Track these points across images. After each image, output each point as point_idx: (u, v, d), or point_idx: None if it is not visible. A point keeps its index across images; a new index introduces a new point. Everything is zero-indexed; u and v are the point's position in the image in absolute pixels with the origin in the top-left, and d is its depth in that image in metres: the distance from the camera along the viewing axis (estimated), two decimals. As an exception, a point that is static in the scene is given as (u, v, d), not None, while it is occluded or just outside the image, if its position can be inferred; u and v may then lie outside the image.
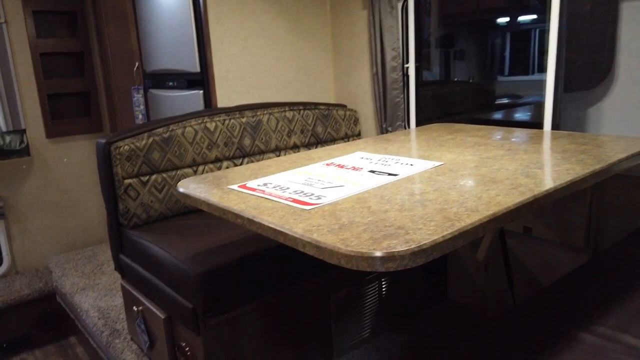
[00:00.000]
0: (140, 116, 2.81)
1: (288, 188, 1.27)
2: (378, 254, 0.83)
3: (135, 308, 1.89)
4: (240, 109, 2.25)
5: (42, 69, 3.02)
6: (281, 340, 1.75)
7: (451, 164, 1.40)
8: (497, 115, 2.65)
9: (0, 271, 2.99)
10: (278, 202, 1.17)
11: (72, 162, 3.19)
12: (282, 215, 1.07)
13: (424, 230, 0.90)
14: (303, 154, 1.70)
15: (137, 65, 2.80)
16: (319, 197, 1.17)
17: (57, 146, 3.13)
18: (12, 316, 2.74)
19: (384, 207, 1.05)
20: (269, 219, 1.05)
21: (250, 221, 1.09)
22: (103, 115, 3.30)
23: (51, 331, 2.87)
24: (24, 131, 2.98)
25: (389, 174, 1.32)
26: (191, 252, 1.65)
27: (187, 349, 1.64)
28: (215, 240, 1.74)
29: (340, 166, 1.47)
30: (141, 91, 2.81)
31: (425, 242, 0.85)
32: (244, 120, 2.24)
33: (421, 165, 1.39)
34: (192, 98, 2.43)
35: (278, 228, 1.00)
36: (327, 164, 1.51)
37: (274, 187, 1.30)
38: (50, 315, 2.84)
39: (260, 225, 1.06)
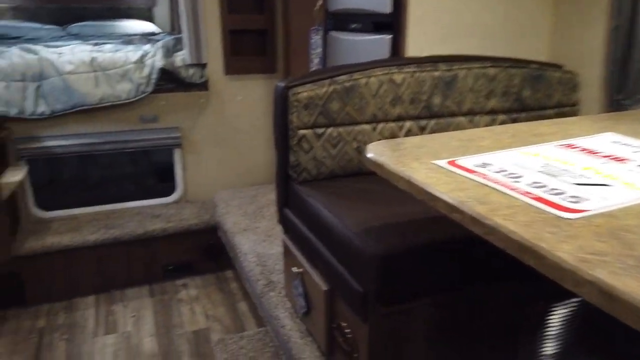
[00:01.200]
0: (316, 60, 2.63)
1: (521, 176, 0.93)
2: None
3: (295, 269, 1.77)
4: (434, 61, 1.90)
5: (226, 3, 2.98)
6: (451, 344, 1.47)
7: None
8: None
9: (173, 197, 3.18)
10: (511, 196, 0.84)
11: (245, 100, 3.18)
12: (527, 222, 0.75)
13: None
14: (524, 126, 1.32)
15: (319, 3, 2.59)
16: (576, 199, 0.81)
17: (232, 83, 3.13)
18: (179, 242, 2.89)
19: None
20: (509, 226, 0.74)
21: (476, 221, 0.79)
22: (278, 56, 3.21)
23: (211, 262, 2.99)
24: (204, 65, 3.02)
25: (684, 178, 0.90)
26: (366, 224, 1.42)
27: (348, 331, 1.45)
28: (394, 214, 1.48)
29: (589, 152, 1.07)
30: (320, 32, 2.60)
31: None
32: (436, 74, 1.89)
33: None
34: (377, 44, 2.14)
35: (529, 244, 0.69)
36: (567, 146, 1.12)
37: (497, 171, 0.97)
38: (211, 247, 2.95)
39: (494, 230, 0.75)
